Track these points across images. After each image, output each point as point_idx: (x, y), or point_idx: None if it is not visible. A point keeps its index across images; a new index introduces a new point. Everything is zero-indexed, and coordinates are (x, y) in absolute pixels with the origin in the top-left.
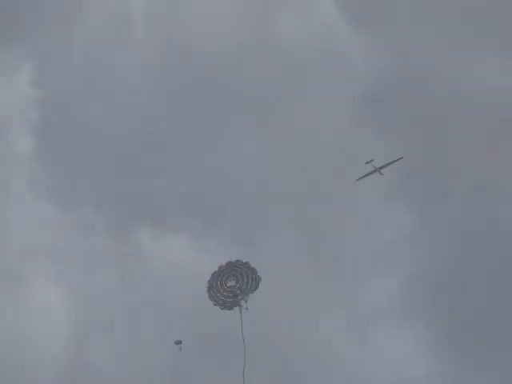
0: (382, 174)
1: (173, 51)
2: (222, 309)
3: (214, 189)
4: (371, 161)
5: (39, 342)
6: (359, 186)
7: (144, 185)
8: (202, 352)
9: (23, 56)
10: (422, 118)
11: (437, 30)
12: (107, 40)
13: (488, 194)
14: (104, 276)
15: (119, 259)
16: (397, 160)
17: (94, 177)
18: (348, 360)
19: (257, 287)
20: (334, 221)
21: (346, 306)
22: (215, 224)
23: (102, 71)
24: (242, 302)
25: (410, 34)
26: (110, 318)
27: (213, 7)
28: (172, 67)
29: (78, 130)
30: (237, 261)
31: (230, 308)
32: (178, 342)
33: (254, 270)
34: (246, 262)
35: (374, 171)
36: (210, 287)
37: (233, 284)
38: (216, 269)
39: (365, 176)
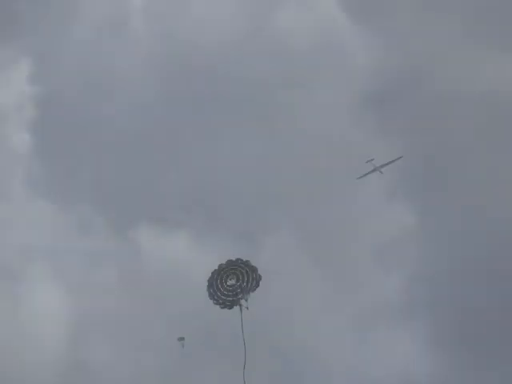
0: (381, 173)
1: (172, 49)
2: (221, 308)
3: (215, 186)
4: (371, 160)
5: (37, 341)
6: (360, 184)
7: (144, 182)
8: (201, 351)
9: (20, 52)
10: (423, 116)
11: (438, 28)
12: (106, 37)
13: (489, 193)
14: (103, 274)
15: (119, 257)
16: (396, 159)
17: (93, 174)
18: (349, 359)
19: (257, 286)
20: (335, 219)
21: (346, 305)
22: (216, 222)
23: (101, 68)
24: (243, 301)
25: (411, 31)
26: (109, 317)
27: (212, 4)
28: (171, 65)
29: (77, 127)
30: (237, 259)
31: (230, 307)
32: (181, 339)
33: (254, 269)
34: (247, 261)
35: (374, 170)
36: (210, 286)
37: (233, 283)
38: (216, 267)
39: (365, 175)
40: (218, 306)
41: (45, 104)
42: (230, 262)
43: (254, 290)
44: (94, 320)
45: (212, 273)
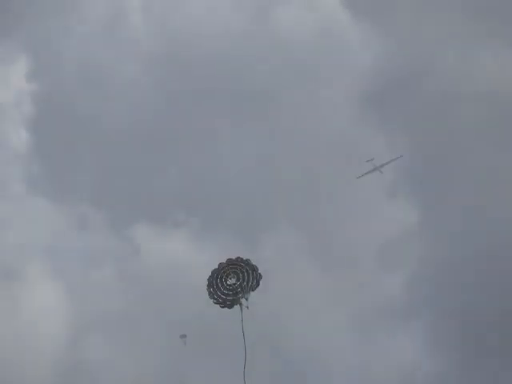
0: (381, 173)
1: (172, 45)
2: (222, 307)
3: (215, 185)
4: (371, 159)
5: (37, 340)
6: (361, 183)
7: (143, 181)
8: (201, 351)
9: (19, 49)
10: (424, 115)
11: (439, 27)
12: (105, 34)
13: (492, 191)
14: (103, 273)
15: (118, 256)
16: (396, 158)
17: (92, 173)
18: (349, 359)
19: (258, 285)
20: (336, 218)
21: (347, 304)
22: (215, 221)
23: (100, 66)
24: (243, 300)
25: (412, 30)
26: (108, 316)
27: (211, 2)
28: (171, 62)
29: (75, 125)
30: (237, 258)
31: (231, 306)
32: (183, 336)
33: (254, 268)
34: (247, 260)
35: (374, 170)
36: (210, 285)
37: (233, 282)
38: (216, 266)
39: (365, 174)
40: (218, 306)
41: (43, 101)
42: (230, 261)
43: (255, 289)
44: (93, 319)
45: (212, 272)
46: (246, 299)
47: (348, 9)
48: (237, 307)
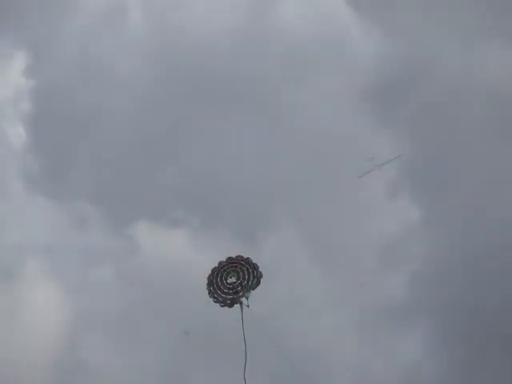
0: (382, 172)
1: (171, 39)
2: (222, 306)
3: (215, 183)
4: (372, 159)
5: (35, 340)
6: (363, 181)
7: (143, 179)
8: (201, 351)
9: (16, 44)
10: (426, 113)
11: (442, 20)
12: (104, 29)
13: (497, 188)
14: (102, 272)
15: (117, 255)
16: (396, 158)
17: (91, 170)
18: (350, 359)
19: (258, 284)
20: (337, 217)
21: (348, 304)
22: (216, 219)
23: (99, 61)
24: (243, 299)
25: (414, 24)
26: (106, 316)
27: None
28: (170, 56)
29: (74, 122)
30: (238, 256)
31: (231, 305)
32: (186, 332)
33: (255, 266)
34: (248, 258)
35: (375, 168)
36: (210, 284)
37: (233, 280)
38: (216, 265)
39: (366, 173)
40: (217, 305)
41: (41, 98)
42: (230, 260)
43: (255, 287)
44: (93, 318)
45: (212, 270)
46: (247, 298)
47: (351, 1)
48: (237, 306)
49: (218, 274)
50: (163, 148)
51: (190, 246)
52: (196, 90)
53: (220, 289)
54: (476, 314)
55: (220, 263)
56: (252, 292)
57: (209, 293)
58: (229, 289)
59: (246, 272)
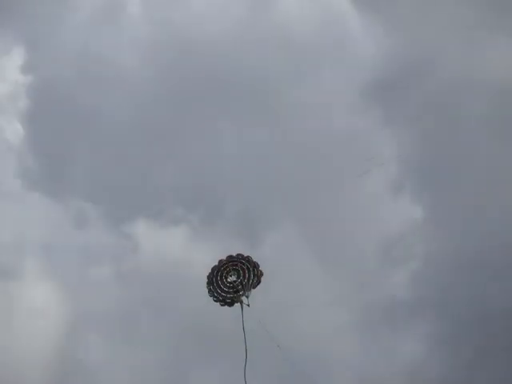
0: (382, 171)
1: (171, 35)
2: (222, 305)
3: (214, 181)
4: (372, 158)
5: (33, 339)
6: (364, 180)
7: (141, 176)
8: (201, 350)
9: (13, 39)
10: (429, 108)
11: (445, 15)
12: (102, 23)
13: (497, 188)
14: (100, 271)
15: (115, 253)
16: (395, 157)
17: (89, 167)
18: (351, 358)
19: (259, 282)
20: (339, 214)
21: (350, 303)
22: (215, 217)
23: (97, 57)
24: (244, 298)
25: (417, 19)
26: (105, 314)
27: None
28: (170, 52)
29: (72, 118)
30: (238, 255)
31: (231, 304)
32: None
33: (255, 265)
34: (248, 256)
35: (375, 167)
36: (210, 282)
37: (233, 279)
38: (216, 263)
39: (366, 172)
40: (218, 303)
41: (39, 94)
42: (230, 258)
43: (256, 286)
44: (92, 317)
45: (212, 269)
46: (247, 297)
47: (350, 3)
48: (237, 305)
49: (218, 272)
50: (162, 146)
51: (190, 244)
52: (196, 90)
53: (220, 288)
54: (477, 313)
55: (220, 262)
56: (252, 291)
57: (209, 292)
58: (229, 288)
59: (246, 271)
